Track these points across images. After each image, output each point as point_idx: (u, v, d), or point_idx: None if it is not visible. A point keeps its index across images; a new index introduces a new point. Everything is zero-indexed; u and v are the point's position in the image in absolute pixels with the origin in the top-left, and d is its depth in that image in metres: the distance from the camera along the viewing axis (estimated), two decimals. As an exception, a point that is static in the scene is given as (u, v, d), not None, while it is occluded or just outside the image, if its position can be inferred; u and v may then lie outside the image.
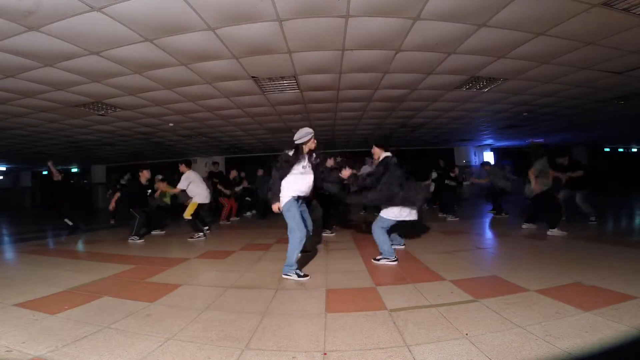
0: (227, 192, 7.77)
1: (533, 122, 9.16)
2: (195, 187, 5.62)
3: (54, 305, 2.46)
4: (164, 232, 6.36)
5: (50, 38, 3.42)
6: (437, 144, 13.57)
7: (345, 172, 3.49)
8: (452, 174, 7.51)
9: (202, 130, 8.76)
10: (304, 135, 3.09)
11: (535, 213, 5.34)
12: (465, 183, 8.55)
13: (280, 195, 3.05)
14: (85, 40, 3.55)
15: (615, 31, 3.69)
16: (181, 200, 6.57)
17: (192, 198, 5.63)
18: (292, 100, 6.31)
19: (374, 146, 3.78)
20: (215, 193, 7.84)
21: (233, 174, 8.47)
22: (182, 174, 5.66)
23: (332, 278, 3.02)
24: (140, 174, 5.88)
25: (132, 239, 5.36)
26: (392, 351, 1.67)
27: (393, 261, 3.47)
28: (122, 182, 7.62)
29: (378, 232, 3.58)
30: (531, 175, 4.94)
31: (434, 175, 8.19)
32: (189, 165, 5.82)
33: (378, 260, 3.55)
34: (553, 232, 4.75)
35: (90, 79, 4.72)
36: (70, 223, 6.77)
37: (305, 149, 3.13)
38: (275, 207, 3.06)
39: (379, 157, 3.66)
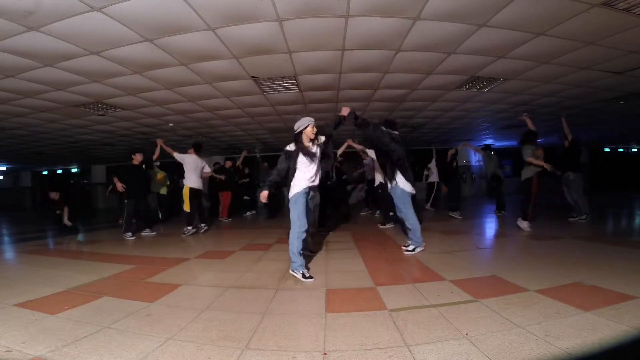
0: (221, 177, 7.81)
1: (533, 122, 9.15)
2: (188, 173, 5.85)
3: (54, 305, 2.46)
4: (154, 233, 6.20)
5: (50, 38, 3.42)
6: (437, 144, 13.56)
7: (345, 109, 3.54)
8: (447, 160, 7.59)
9: (202, 130, 8.76)
10: (303, 123, 3.08)
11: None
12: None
13: (291, 186, 3.07)
14: (85, 40, 3.55)
15: (615, 31, 3.69)
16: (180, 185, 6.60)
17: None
18: (292, 100, 6.31)
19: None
20: (213, 187, 7.87)
21: (228, 164, 8.53)
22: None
23: (332, 278, 3.02)
24: (132, 157, 5.98)
25: (125, 236, 5.63)
26: (392, 351, 1.67)
27: (422, 248, 3.79)
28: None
29: (410, 215, 3.70)
30: (533, 160, 4.92)
31: (432, 165, 8.25)
32: (196, 150, 6.11)
33: (412, 250, 3.73)
34: (522, 223, 4.96)
35: (90, 79, 4.72)
36: (69, 223, 6.87)
37: (305, 138, 3.09)
38: (263, 195, 3.08)
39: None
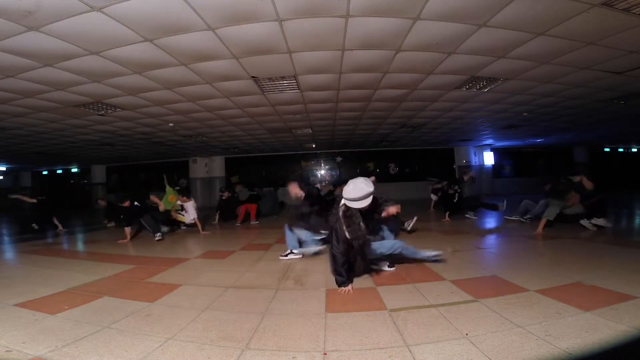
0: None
1: (533, 122, 9.16)
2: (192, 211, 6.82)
3: (54, 305, 2.46)
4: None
5: (50, 38, 3.42)
6: (437, 144, 13.56)
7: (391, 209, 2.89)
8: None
9: (202, 130, 8.76)
10: (364, 196, 2.49)
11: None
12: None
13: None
14: (85, 40, 3.54)
15: (615, 31, 3.69)
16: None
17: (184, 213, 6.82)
18: (292, 100, 6.31)
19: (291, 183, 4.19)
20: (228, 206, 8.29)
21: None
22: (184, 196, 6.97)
23: (332, 278, 3.01)
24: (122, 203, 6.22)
25: (156, 237, 5.64)
26: (392, 351, 1.67)
27: (297, 255, 3.88)
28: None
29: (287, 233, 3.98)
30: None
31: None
32: (189, 195, 7.08)
33: (285, 256, 3.89)
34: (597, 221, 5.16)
35: (90, 79, 4.71)
36: (36, 227, 7.22)
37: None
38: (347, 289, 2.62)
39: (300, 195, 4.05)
